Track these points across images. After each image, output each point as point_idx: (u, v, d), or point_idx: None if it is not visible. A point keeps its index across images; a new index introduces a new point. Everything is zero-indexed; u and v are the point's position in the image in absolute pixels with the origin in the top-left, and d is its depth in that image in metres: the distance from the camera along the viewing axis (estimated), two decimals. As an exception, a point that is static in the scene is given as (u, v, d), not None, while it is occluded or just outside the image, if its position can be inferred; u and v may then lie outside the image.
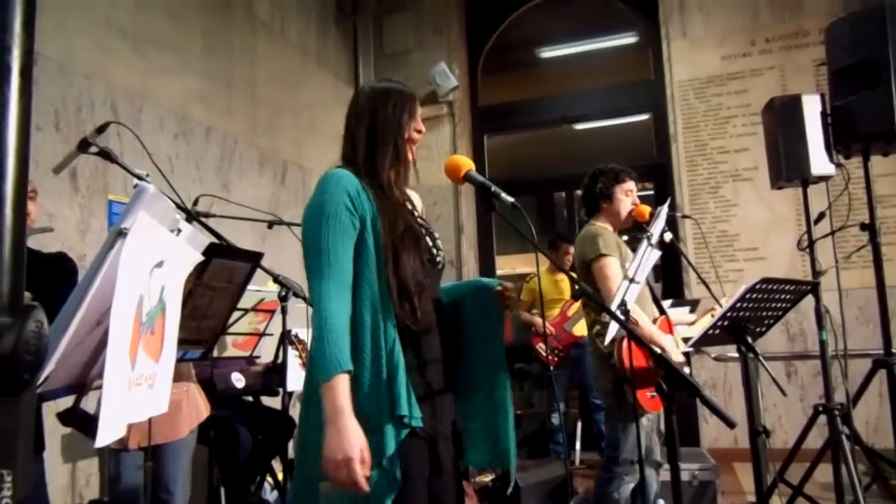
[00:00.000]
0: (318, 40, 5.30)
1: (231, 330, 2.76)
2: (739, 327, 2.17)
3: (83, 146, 1.91)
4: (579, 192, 3.28)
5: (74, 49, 3.05)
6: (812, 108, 2.82)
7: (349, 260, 1.42)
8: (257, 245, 3.38)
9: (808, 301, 2.63)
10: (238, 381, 2.83)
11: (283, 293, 2.41)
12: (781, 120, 2.87)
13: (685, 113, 5.13)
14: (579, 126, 6.14)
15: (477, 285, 1.67)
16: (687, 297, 4.82)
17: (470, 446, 1.62)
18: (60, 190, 2.91)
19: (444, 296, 1.63)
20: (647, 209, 2.79)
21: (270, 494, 3.26)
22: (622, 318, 1.94)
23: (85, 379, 1.22)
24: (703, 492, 3.18)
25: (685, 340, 2.74)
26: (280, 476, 3.08)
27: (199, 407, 2.48)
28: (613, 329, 2.41)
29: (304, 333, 2.86)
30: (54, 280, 1.88)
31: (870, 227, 2.74)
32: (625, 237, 2.91)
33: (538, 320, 4.74)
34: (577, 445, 4.79)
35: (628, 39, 5.83)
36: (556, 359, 4.56)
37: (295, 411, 3.29)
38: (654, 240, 2.46)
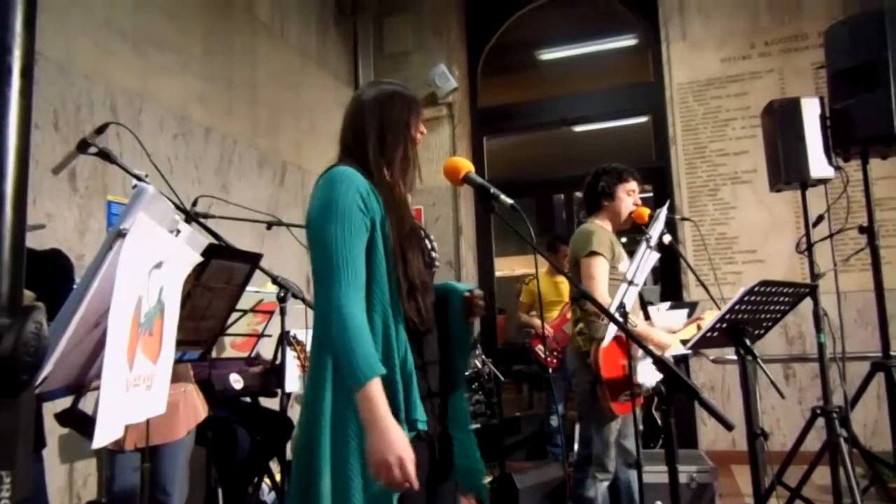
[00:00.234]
0: (318, 41, 5.31)
1: (229, 331, 2.76)
2: (738, 330, 2.17)
3: (82, 147, 1.91)
4: (578, 193, 3.29)
5: (74, 49, 3.05)
6: (811, 111, 2.82)
7: (363, 261, 1.40)
8: (256, 246, 3.37)
9: (807, 304, 2.63)
10: (236, 382, 2.82)
11: (282, 294, 2.40)
12: (780, 123, 2.87)
13: (684, 115, 5.13)
14: (579, 128, 6.15)
15: (450, 287, 1.66)
16: (685, 299, 4.82)
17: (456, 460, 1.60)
18: (59, 190, 2.90)
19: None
20: (646, 211, 2.79)
21: (268, 496, 3.26)
22: (620, 320, 1.95)
23: (83, 380, 1.22)
24: (701, 494, 3.18)
25: (683, 343, 2.74)
26: (278, 477, 3.07)
27: (196, 408, 2.47)
28: (612, 330, 2.42)
29: (303, 335, 2.86)
30: (50, 277, 1.88)
31: (868, 230, 2.74)
32: (624, 239, 2.91)
33: (537, 322, 4.74)
34: (576, 447, 4.78)
35: (628, 42, 5.83)
36: (555, 360, 4.56)
37: (293, 412, 3.28)
38: (653, 242, 2.47)
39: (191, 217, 2.16)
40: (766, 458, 2.58)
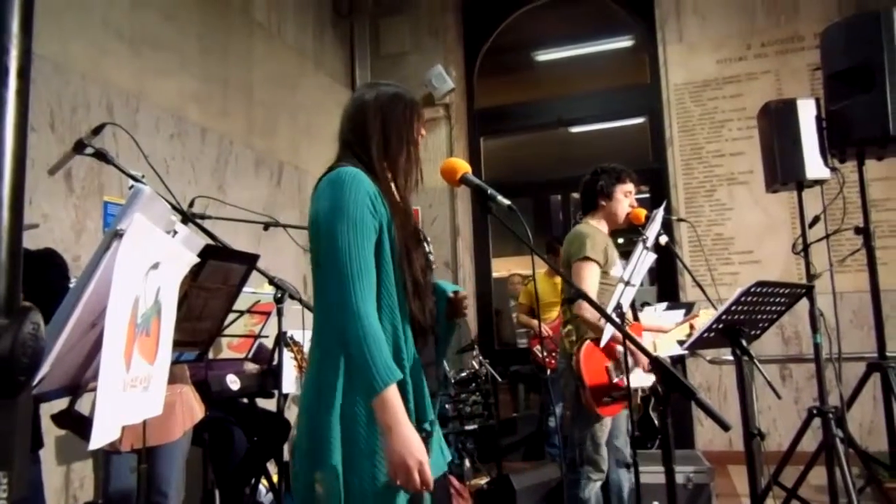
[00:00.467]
0: (315, 42, 5.30)
1: (226, 332, 2.75)
2: (734, 330, 2.18)
3: (79, 147, 1.91)
4: (575, 194, 3.29)
5: (70, 49, 3.05)
6: (807, 112, 2.83)
7: (374, 264, 1.40)
8: (253, 247, 3.37)
9: (803, 304, 2.64)
10: (233, 383, 2.82)
11: (279, 295, 2.40)
12: (777, 124, 2.88)
13: (681, 116, 5.14)
14: (575, 129, 6.16)
15: (436, 288, 1.65)
16: (682, 299, 4.83)
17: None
18: (55, 191, 2.90)
19: None
20: (642, 212, 2.80)
21: (265, 497, 3.25)
22: (618, 321, 1.95)
23: (80, 381, 1.22)
24: (698, 494, 3.19)
25: (680, 343, 2.75)
26: (275, 478, 3.07)
27: (192, 408, 2.47)
28: (609, 331, 2.43)
29: (300, 335, 2.86)
30: (44, 276, 1.87)
31: (864, 231, 2.75)
32: (620, 239, 2.92)
33: (535, 322, 4.74)
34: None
35: (624, 43, 5.84)
36: (553, 361, 4.56)
37: (290, 413, 3.28)
38: (650, 243, 2.47)
39: (187, 218, 2.16)
40: (763, 459, 2.58)
